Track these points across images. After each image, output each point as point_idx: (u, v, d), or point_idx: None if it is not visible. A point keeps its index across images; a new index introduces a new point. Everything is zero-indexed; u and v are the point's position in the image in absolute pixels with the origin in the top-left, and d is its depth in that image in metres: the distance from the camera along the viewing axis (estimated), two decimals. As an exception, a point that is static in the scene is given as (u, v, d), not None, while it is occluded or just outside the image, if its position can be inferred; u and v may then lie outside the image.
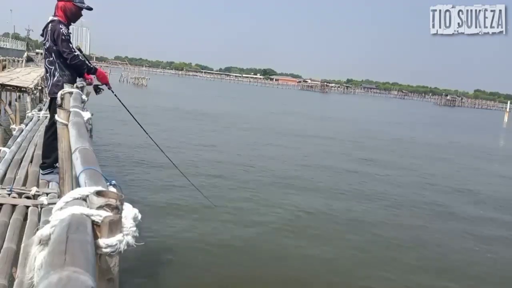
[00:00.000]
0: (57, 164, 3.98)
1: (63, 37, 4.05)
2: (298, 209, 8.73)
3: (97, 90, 4.64)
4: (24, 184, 4.07)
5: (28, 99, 10.70)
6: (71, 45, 4.11)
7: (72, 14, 4.25)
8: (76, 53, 4.12)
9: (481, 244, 7.96)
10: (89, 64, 4.28)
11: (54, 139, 4.13)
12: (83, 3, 4.30)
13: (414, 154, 18.47)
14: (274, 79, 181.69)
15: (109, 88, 4.53)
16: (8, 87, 12.28)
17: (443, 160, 17.80)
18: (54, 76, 4.22)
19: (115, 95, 4.54)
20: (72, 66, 4.18)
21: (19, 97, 13.23)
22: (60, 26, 4.08)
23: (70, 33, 4.29)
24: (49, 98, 4.71)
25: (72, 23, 4.35)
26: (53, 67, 4.21)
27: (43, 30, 4.21)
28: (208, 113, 26.61)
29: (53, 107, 4.19)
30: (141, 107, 22.76)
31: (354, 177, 12.46)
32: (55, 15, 4.19)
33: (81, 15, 4.37)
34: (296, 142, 18.29)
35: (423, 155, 18.22)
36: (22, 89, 11.83)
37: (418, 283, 6.18)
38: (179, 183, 9.66)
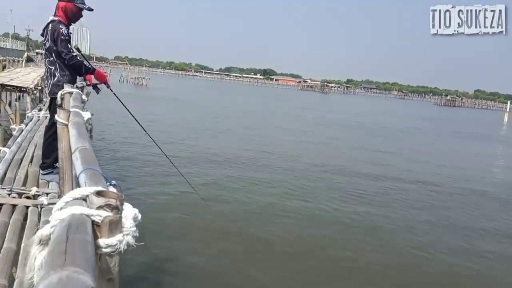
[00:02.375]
0: (57, 164, 3.98)
1: (62, 37, 4.06)
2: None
3: (95, 89, 4.65)
4: (24, 184, 4.07)
5: (28, 99, 10.70)
6: (69, 46, 4.11)
7: (72, 15, 4.26)
8: (74, 54, 4.12)
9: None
10: (88, 64, 4.28)
11: (54, 139, 4.13)
12: (84, 4, 4.30)
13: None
14: (274, 79, 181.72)
15: (108, 86, 4.54)
16: (8, 87, 12.26)
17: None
18: (54, 76, 4.22)
19: (114, 93, 4.55)
20: (70, 66, 4.18)
21: (19, 97, 13.21)
22: (61, 26, 4.08)
23: (71, 33, 4.29)
24: (49, 98, 4.72)
25: (72, 24, 4.36)
26: (53, 67, 4.21)
27: (44, 30, 4.21)
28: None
29: (53, 107, 4.19)
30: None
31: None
32: (55, 15, 4.20)
33: (82, 16, 4.37)
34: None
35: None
36: (22, 89, 11.81)
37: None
38: (177, 180, 9.70)
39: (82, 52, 4.47)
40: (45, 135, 4.37)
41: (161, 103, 32.15)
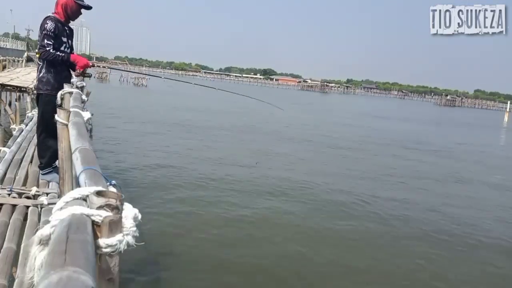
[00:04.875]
0: (55, 164, 3.99)
1: (45, 32, 4.04)
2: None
3: (85, 75, 4.50)
4: (24, 184, 4.08)
5: (28, 99, 10.69)
6: (48, 41, 4.04)
7: (72, 12, 4.23)
8: (47, 48, 4.06)
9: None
10: (61, 54, 4.14)
11: (46, 137, 4.14)
12: (83, 1, 4.27)
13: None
14: (274, 79, 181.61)
15: (93, 65, 4.43)
16: (8, 87, 12.26)
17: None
18: (40, 72, 4.24)
19: (98, 66, 4.46)
20: (49, 62, 4.14)
21: (19, 97, 13.22)
22: (47, 22, 4.07)
23: (69, 29, 4.28)
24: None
25: (71, 21, 4.32)
26: (42, 64, 4.23)
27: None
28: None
29: (39, 103, 4.27)
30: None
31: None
32: (54, 12, 4.20)
33: (81, 13, 4.34)
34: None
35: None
36: (22, 89, 11.81)
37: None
38: (178, 179, 9.72)
39: (82, 52, 4.46)
40: (37, 132, 4.40)
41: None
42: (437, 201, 10.43)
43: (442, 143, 23.73)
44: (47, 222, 1.02)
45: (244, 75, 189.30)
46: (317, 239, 7.34)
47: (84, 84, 5.20)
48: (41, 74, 4.23)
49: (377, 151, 17.98)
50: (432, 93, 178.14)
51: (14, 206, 3.33)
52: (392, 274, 6.32)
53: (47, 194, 3.61)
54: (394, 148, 19.49)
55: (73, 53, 4.36)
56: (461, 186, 12.84)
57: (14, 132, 6.77)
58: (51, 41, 4.07)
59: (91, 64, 4.41)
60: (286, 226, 7.81)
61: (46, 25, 4.05)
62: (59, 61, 4.14)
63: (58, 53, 4.12)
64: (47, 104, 4.14)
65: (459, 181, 13.52)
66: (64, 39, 4.22)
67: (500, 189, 13.15)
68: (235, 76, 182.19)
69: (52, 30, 4.06)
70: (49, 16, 4.14)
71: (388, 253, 7.01)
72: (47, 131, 4.07)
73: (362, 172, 12.98)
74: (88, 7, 4.34)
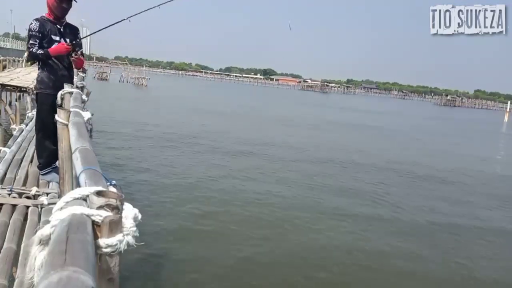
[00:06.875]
0: (55, 164, 3.98)
1: (30, 32, 4.06)
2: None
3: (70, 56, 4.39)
4: (24, 184, 4.07)
5: (28, 99, 10.68)
6: (32, 41, 4.02)
7: (54, 8, 4.09)
8: (31, 49, 4.03)
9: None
10: (39, 52, 4.03)
11: (42, 137, 4.16)
12: None
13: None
14: (274, 79, 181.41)
15: (69, 47, 4.16)
16: (8, 87, 12.25)
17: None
18: (38, 70, 4.28)
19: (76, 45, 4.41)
20: (38, 60, 4.17)
21: (19, 97, 13.22)
22: (31, 22, 4.08)
23: (68, 26, 4.24)
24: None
25: (61, 19, 4.19)
26: (38, 64, 4.27)
27: None
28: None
29: (37, 102, 4.34)
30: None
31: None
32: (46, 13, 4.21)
33: (65, 9, 4.14)
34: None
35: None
36: (22, 89, 11.79)
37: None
38: (178, 178, 9.72)
39: (83, 52, 4.44)
40: (35, 130, 4.45)
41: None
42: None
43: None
44: (47, 222, 1.02)
45: (244, 75, 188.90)
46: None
47: (84, 83, 5.20)
48: (37, 73, 4.29)
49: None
50: (432, 93, 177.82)
51: (14, 206, 3.33)
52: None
53: (47, 194, 3.60)
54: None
55: (79, 53, 4.24)
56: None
57: (14, 132, 6.77)
58: (36, 41, 4.04)
59: (67, 49, 4.09)
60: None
61: (30, 25, 4.06)
62: (42, 59, 4.11)
63: (39, 51, 4.02)
64: (41, 103, 4.18)
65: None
66: (56, 38, 4.12)
67: None
68: (235, 76, 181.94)
69: (36, 29, 4.02)
70: (37, 17, 4.14)
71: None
72: (44, 131, 4.08)
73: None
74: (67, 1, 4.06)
